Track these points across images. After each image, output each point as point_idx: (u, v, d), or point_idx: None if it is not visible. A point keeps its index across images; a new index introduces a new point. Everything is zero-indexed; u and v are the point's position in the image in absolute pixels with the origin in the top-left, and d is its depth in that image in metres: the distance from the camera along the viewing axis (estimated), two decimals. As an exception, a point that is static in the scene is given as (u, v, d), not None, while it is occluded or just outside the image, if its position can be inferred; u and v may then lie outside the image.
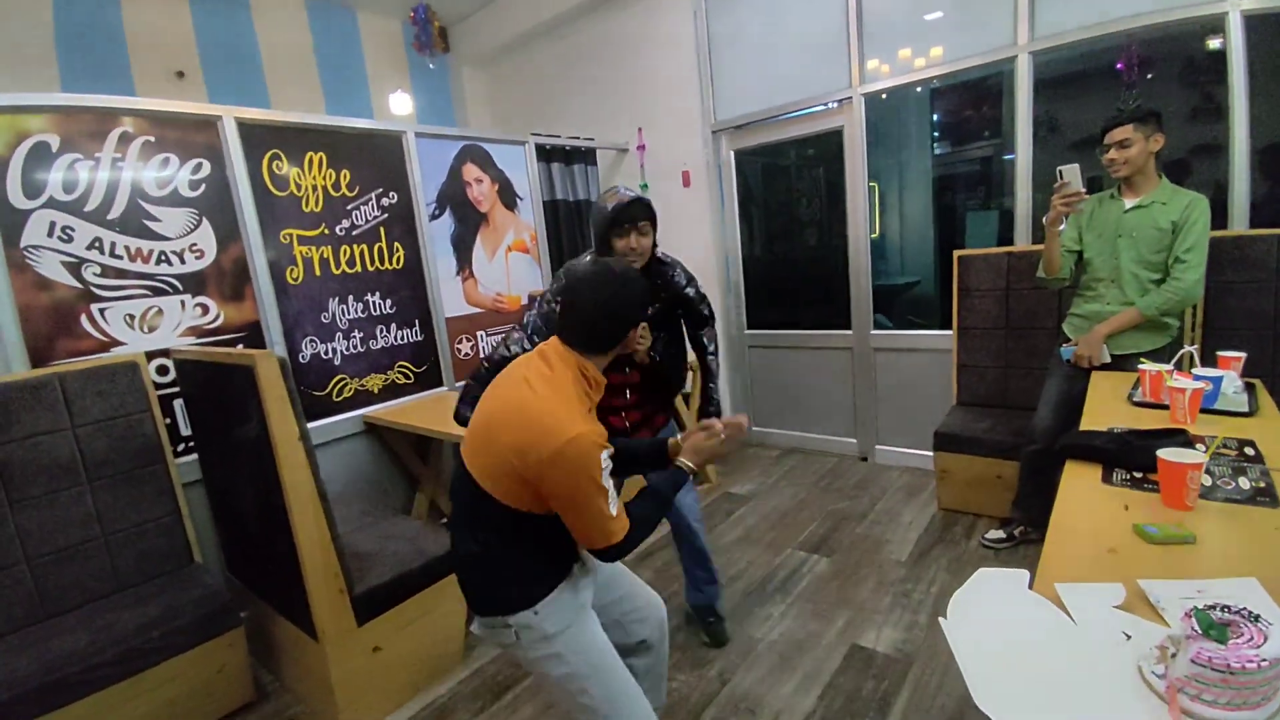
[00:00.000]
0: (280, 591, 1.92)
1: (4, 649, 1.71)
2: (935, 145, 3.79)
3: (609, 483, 1.10)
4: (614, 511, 1.11)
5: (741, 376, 3.95)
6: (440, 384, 3.06)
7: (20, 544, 1.85)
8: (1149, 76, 2.63)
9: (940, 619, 0.91)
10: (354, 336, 2.76)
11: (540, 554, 1.20)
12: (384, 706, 1.90)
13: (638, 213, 1.67)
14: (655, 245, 1.78)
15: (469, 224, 3.20)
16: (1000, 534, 2.48)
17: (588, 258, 1.82)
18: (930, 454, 2.83)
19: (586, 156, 3.84)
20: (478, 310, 3.25)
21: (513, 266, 3.40)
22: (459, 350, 3.16)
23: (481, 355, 3.25)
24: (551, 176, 3.60)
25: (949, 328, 2.99)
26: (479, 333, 3.26)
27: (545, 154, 3.56)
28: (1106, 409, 1.69)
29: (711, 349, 2.02)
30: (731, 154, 3.76)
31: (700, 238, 3.80)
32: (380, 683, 1.89)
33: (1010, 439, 2.52)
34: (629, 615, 1.40)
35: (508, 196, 3.36)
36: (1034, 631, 0.87)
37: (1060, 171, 2.05)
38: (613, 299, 1.18)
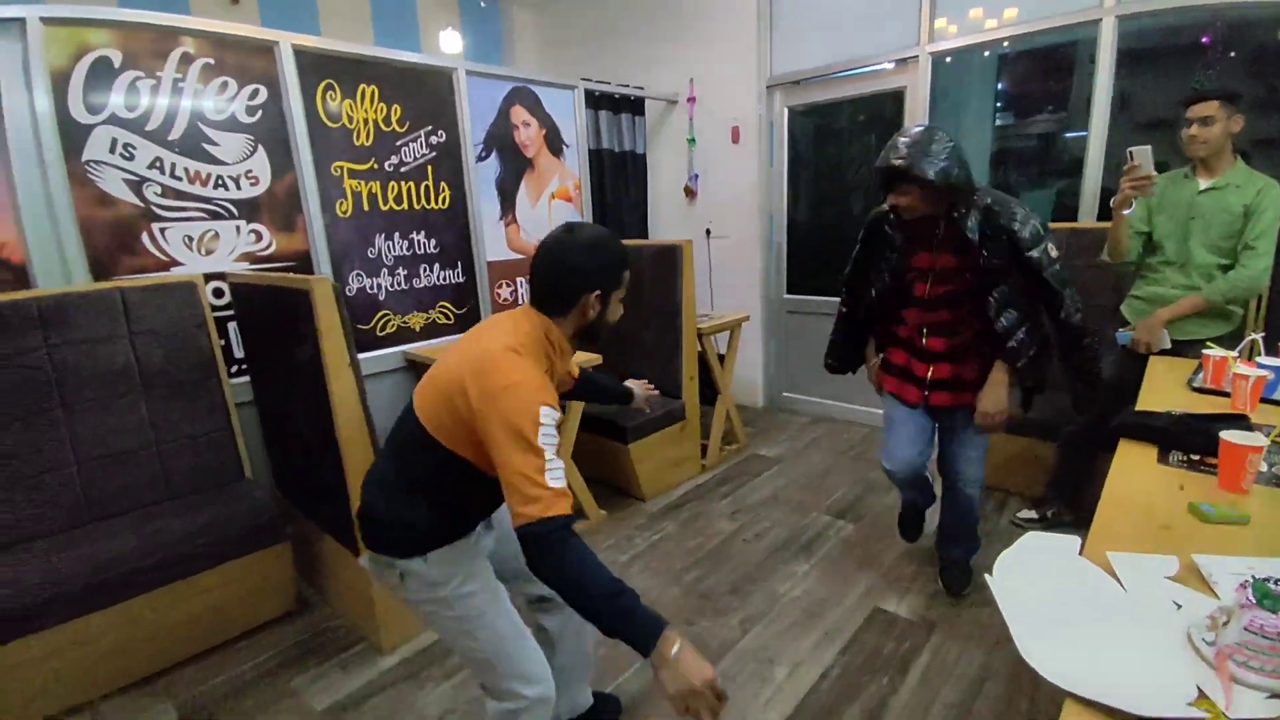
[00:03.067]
0: (325, 510, 2.01)
1: (50, 548, 1.79)
2: (996, 116, 3.64)
3: (548, 444, 1.02)
4: (548, 480, 1.00)
5: (776, 341, 3.93)
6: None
7: (71, 447, 1.93)
8: (1231, 55, 2.48)
9: (986, 575, 0.92)
10: (399, 273, 2.80)
11: (449, 508, 1.19)
12: (418, 624, 2.00)
13: (889, 175, 1.65)
14: (943, 199, 1.65)
15: (514, 168, 3.19)
16: (1032, 514, 2.47)
17: None
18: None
19: (635, 106, 3.77)
20: (519, 256, 3.26)
21: (555, 214, 3.39)
22: (499, 295, 3.19)
23: (521, 300, 3.28)
24: (599, 125, 3.56)
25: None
26: (519, 279, 3.28)
27: (593, 101, 3.50)
28: (1164, 393, 1.66)
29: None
30: (785, 110, 3.66)
31: (745, 197, 3.74)
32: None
33: (1052, 418, 2.49)
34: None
35: (554, 142, 3.33)
36: (1083, 594, 0.88)
37: (1130, 153, 1.96)
38: (564, 257, 1.17)
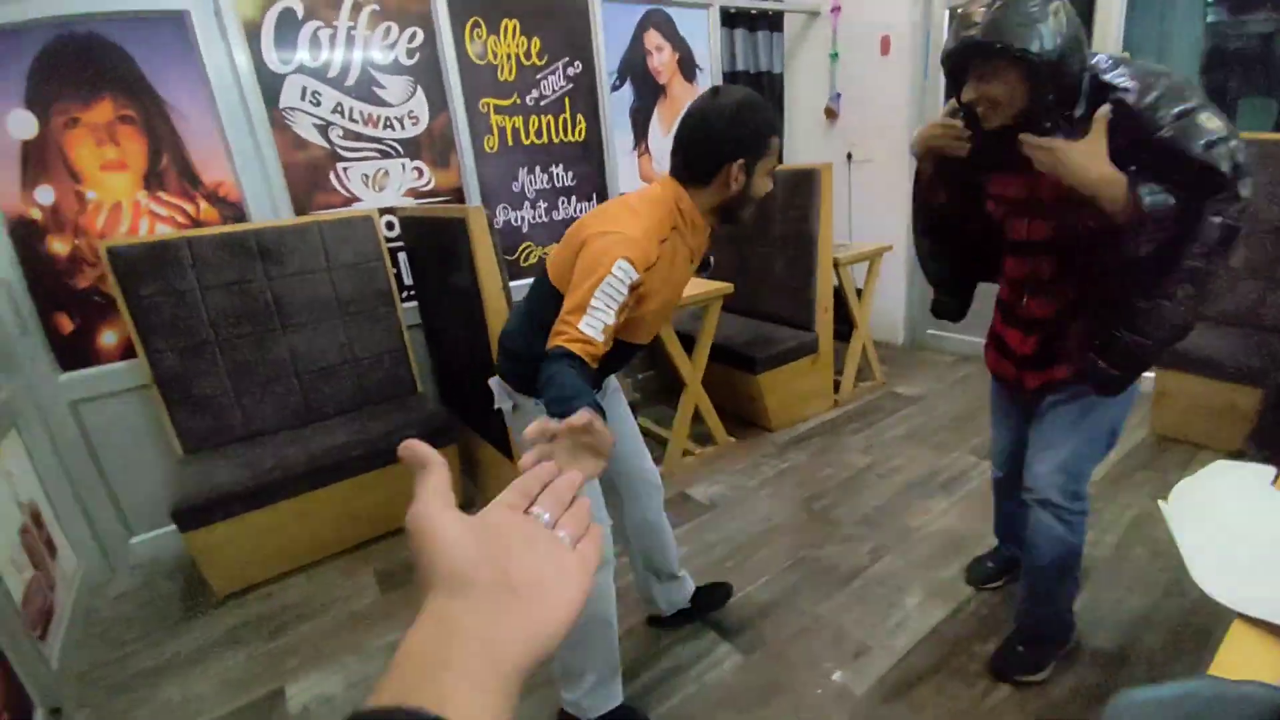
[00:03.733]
0: (483, 420, 2.27)
1: (280, 442, 2.21)
2: (1208, 12, 3.05)
3: (605, 297, 1.01)
4: (581, 325, 1.01)
5: (919, 276, 3.69)
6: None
7: (291, 361, 2.34)
8: None
9: (1159, 501, 0.88)
10: (539, 206, 2.97)
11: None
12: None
13: (965, 56, 1.12)
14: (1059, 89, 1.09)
15: (647, 96, 3.18)
16: None
17: None
18: (1149, 373, 2.51)
19: (773, 21, 3.57)
20: (651, 187, 3.30)
21: (688, 142, 3.36)
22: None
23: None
24: (734, 44, 3.43)
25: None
26: (650, 210, 3.32)
27: (729, 19, 3.37)
28: None
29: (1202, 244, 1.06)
30: (946, 12, 3.29)
31: (894, 116, 3.47)
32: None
33: (1259, 363, 2.18)
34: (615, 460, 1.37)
35: (688, 68, 3.27)
36: (1272, 526, 0.82)
37: None
38: (705, 118, 1.10)
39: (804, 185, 2.74)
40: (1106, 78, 1.09)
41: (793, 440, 2.79)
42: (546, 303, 1.18)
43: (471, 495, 2.55)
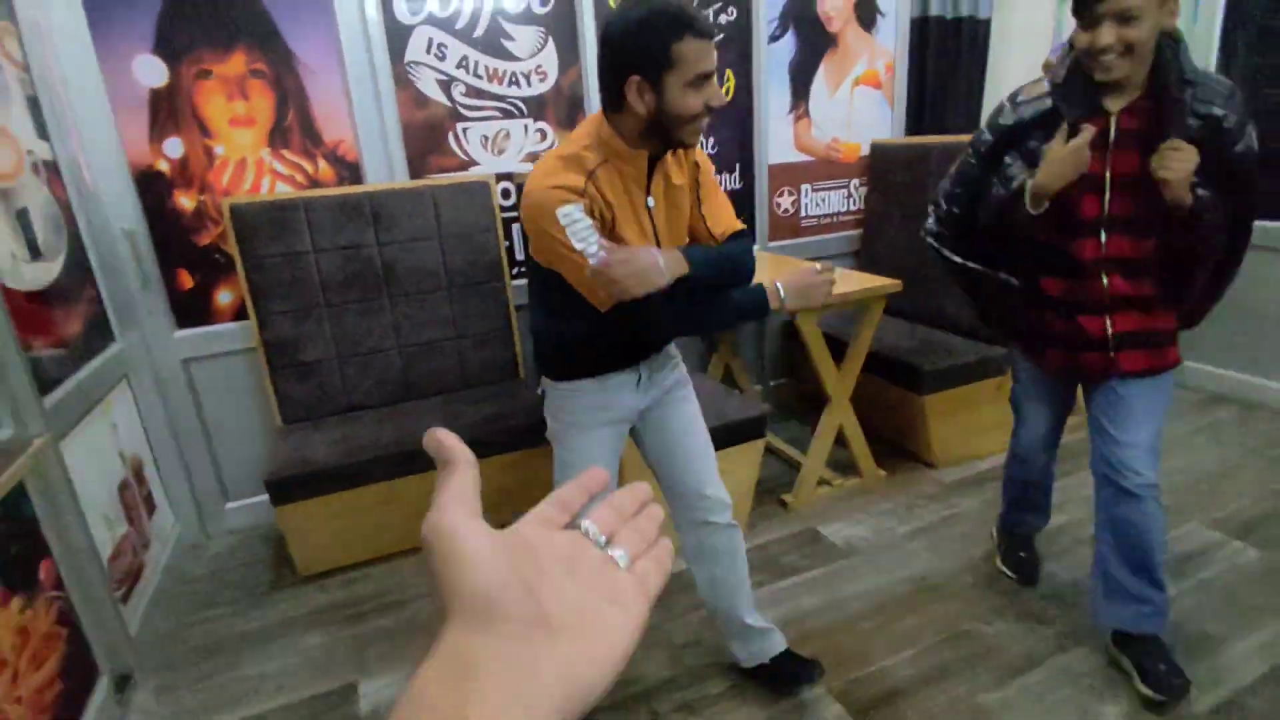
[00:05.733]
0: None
1: (376, 419, 2.30)
2: None
3: (583, 238, 1.10)
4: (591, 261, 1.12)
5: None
6: (752, 240, 3.04)
7: (395, 333, 2.42)
8: None
9: None
10: (673, 177, 2.85)
11: (565, 320, 1.29)
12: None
13: None
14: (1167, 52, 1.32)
15: (813, 48, 2.96)
16: None
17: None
18: None
19: (981, -45, 3.17)
20: (806, 159, 3.08)
21: (858, 105, 3.10)
22: (777, 205, 3.07)
23: (804, 212, 3.11)
24: (927, -16, 3.09)
25: None
26: (803, 186, 3.10)
27: (924, -47, 3.03)
28: None
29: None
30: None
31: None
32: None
33: None
34: (673, 467, 1.46)
35: (866, 12, 3.00)
36: None
37: None
38: (604, 35, 1.12)
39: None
40: (1200, 91, 1.31)
41: (962, 481, 2.51)
42: (546, 281, 1.25)
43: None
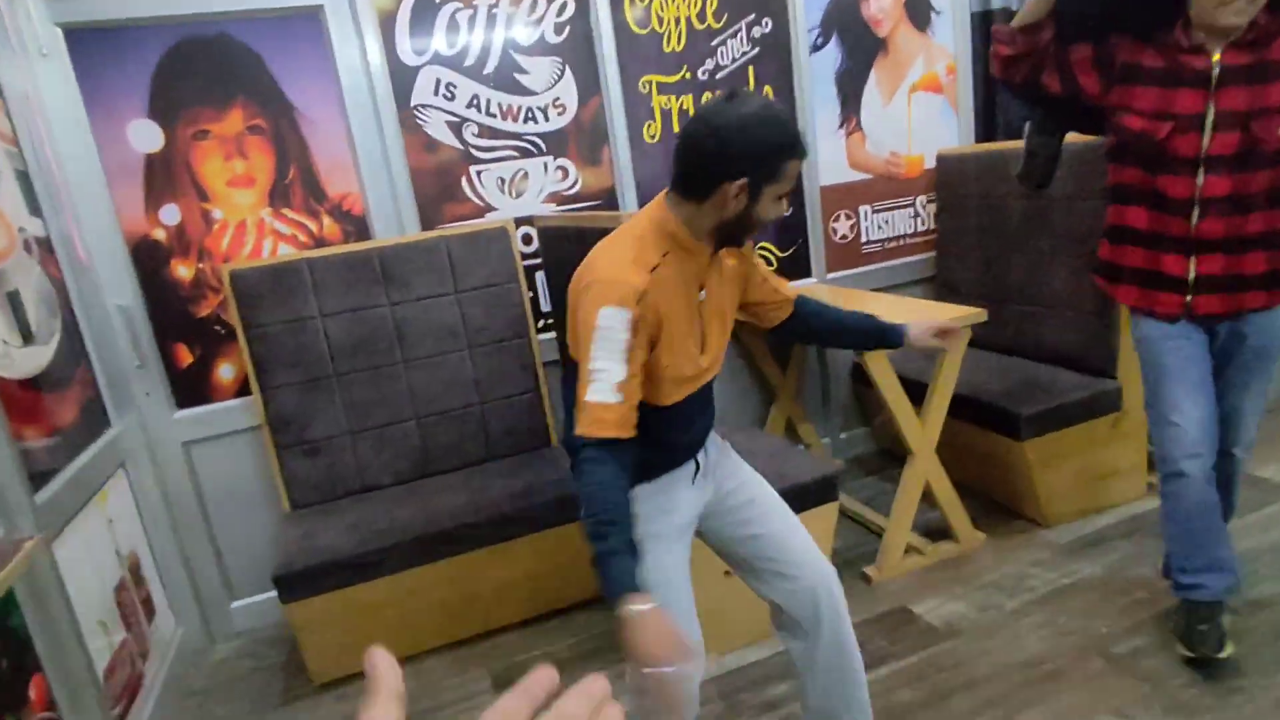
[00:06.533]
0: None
1: (393, 499, 2.33)
2: None
3: (603, 349, 1.14)
4: (589, 392, 1.15)
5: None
6: (808, 274, 3.05)
7: (411, 401, 2.47)
8: None
9: None
10: (712, 208, 2.89)
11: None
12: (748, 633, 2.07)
13: None
14: None
15: (861, 55, 3.00)
16: None
17: None
18: None
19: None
20: (864, 176, 3.09)
21: (917, 112, 3.11)
22: (833, 231, 3.07)
23: (865, 237, 3.11)
24: (988, -25, 3.13)
25: None
26: (862, 208, 3.11)
27: (981, -59, 3.08)
28: None
29: None
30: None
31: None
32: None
33: None
34: (766, 564, 1.43)
35: (919, 11, 3.04)
36: None
37: None
38: (712, 126, 1.17)
39: (1097, 167, 2.36)
40: None
41: (1080, 542, 2.43)
42: (568, 375, 1.38)
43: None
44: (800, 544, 1.45)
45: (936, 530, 2.51)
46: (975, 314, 2.27)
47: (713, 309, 1.35)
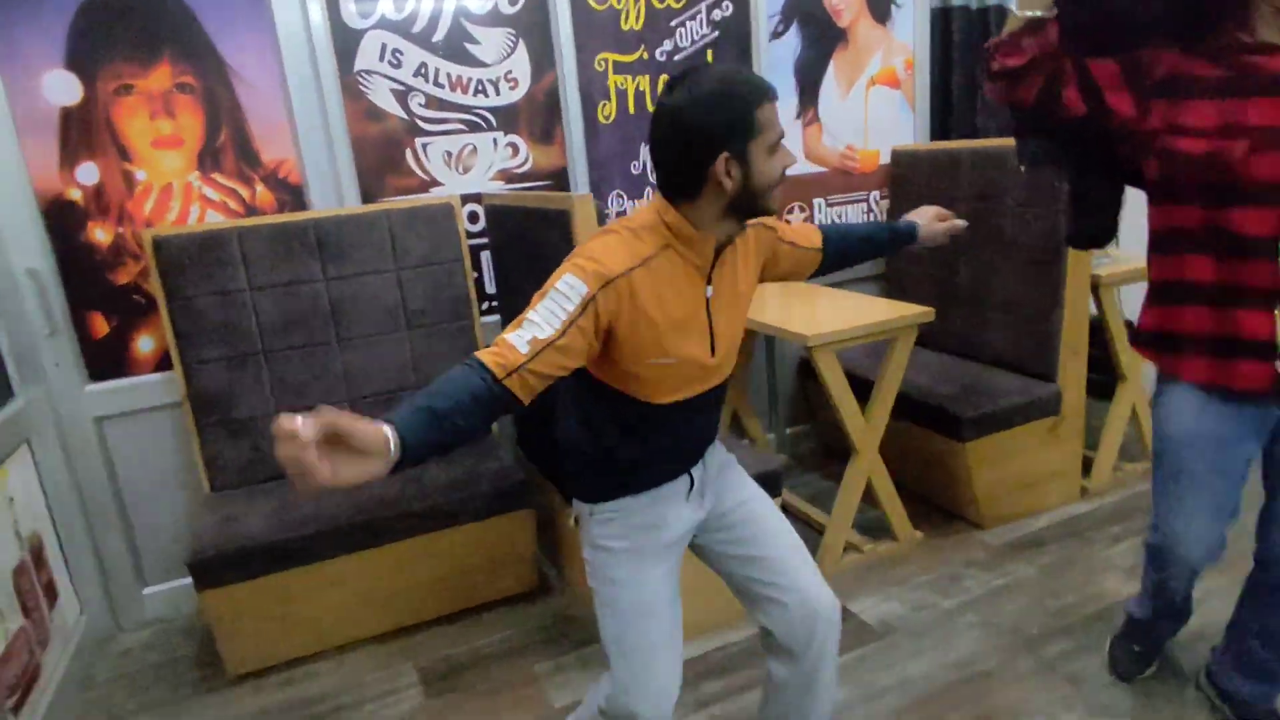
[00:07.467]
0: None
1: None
2: None
3: (540, 310, 1.11)
4: (510, 335, 1.10)
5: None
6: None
7: (345, 382, 2.39)
8: None
9: None
10: (666, 194, 2.88)
11: (593, 429, 1.31)
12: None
13: None
14: None
15: (821, 45, 3.02)
16: None
17: None
18: None
19: (1010, -61, 3.26)
20: (818, 170, 3.11)
21: (874, 107, 3.14)
22: (788, 223, 3.07)
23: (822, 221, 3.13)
24: (949, -28, 3.17)
25: None
26: (816, 201, 3.13)
27: (945, -62, 3.12)
28: None
29: None
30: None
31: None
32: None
33: None
34: (759, 584, 1.39)
35: (880, 3, 3.06)
36: None
37: None
38: (675, 119, 1.14)
39: (1046, 176, 2.42)
40: None
41: (1016, 543, 2.50)
42: (580, 380, 1.27)
43: (547, 576, 2.48)
44: (799, 569, 1.38)
45: (876, 528, 2.55)
46: (924, 313, 2.30)
47: (722, 304, 1.29)
